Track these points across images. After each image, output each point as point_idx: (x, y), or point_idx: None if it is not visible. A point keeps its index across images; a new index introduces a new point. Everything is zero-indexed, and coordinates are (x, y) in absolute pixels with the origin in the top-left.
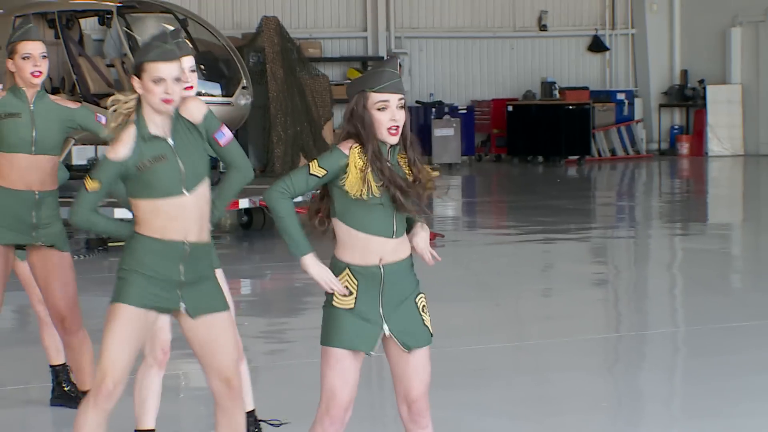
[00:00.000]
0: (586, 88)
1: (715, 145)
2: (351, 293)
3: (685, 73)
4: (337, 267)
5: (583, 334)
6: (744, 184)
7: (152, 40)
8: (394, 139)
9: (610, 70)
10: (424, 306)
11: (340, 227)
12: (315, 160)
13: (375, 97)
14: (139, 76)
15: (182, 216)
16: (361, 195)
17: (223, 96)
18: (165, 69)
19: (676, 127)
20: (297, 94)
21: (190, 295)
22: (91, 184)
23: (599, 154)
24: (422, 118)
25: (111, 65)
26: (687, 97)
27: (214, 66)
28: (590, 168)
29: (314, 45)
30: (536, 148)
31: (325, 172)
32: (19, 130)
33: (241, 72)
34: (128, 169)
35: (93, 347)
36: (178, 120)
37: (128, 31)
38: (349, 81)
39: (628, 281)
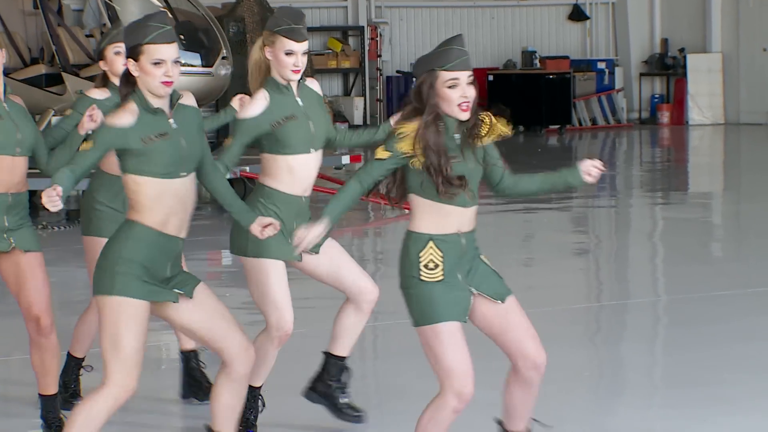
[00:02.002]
0: (566, 58)
1: (695, 113)
2: (437, 265)
3: (665, 42)
4: (419, 240)
5: (565, 304)
6: (725, 152)
7: (147, 20)
8: (465, 115)
9: (590, 39)
10: (488, 261)
11: (418, 201)
12: (380, 146)
13: (445, 75)
14: (135, 59)
15: (182, 206)
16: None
17: (203, 66)
18: (166, 51)
19: (657, 96)
20: None
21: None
22: (84, 145)
23: (580, 124)
24: (403, 88)
25: (90, 35)
26: (667, 66)
27: (194, 36)
28: (571, 137)
29: None
30: (517, 117)
31: (390, 153)
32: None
33: (221, 42)
34: (129, 142)
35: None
36: (178, 107)
37: (108, 1)
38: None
39: (609, 250)
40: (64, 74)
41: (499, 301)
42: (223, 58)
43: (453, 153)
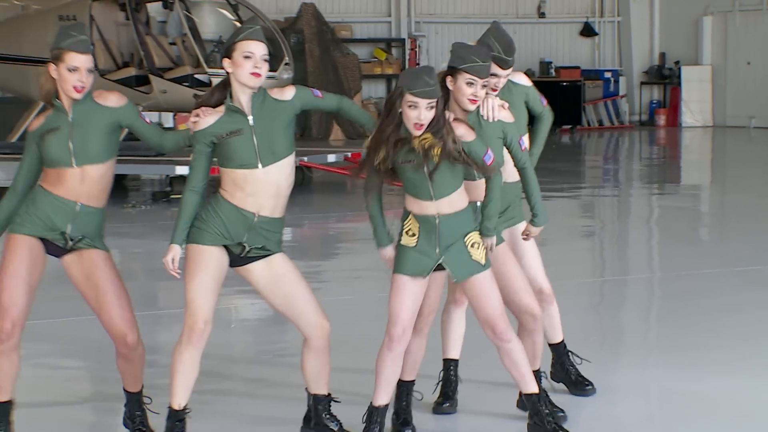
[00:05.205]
0: (578, 68)
1: (688, 117)
2: (414, 234)
3: (663, 56)
4: (405, 213)
5: (573, 278)
6: (712, 151)
7: (245, 22)
8: (417, 133)
9: (598, 52)
10: (473, 243)
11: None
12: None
13: (408, 97)
14: (229, 56)
15: (265, 190)
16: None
17: (269, 71)
18: (254, 47)
19: (655, 101)
20: (331, 70)
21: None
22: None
23: (588, 124)
24: None
25: (173, 43)
26: (664, 76)
27: None
28: (581, 136)
29: (346, 28)
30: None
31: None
32: None
33: (284, 50)
34: (210, 139)
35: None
36: (264, 99)
37: (187, 13)
38: (376, 59)
39: (612, 233)
40: (150, 76)
41: (453, 280)
42: (286, 64)
43: (410, 158)
